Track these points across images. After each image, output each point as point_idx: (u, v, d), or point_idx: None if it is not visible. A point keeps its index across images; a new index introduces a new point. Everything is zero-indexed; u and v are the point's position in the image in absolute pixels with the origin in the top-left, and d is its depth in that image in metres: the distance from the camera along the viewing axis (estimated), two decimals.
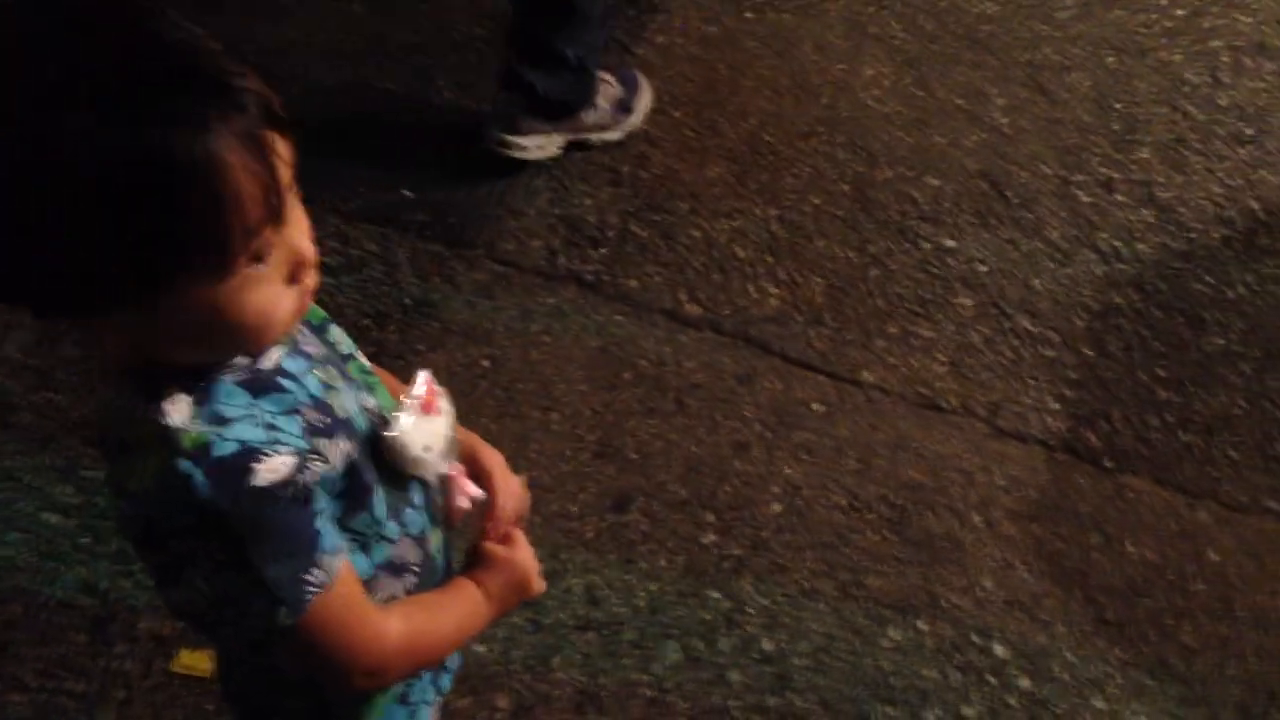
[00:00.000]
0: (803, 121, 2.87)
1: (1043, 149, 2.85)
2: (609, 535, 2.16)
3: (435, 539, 1.16)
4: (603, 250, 2.61)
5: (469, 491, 1.17)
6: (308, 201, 0.92)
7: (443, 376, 2.36)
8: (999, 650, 2.03)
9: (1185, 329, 2.55)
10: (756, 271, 2.58)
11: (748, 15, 3.10)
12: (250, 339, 0.92)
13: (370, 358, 2.40)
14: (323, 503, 0.96)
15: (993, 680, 1.99)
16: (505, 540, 1.20)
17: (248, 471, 0.89)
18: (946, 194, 2.74)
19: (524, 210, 2.68)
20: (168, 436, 0.88)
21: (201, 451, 0.88)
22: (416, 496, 1.12)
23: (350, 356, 1.12)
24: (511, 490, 1.23)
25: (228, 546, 0.89)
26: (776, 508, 2.21)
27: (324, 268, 0.93)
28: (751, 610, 2.07)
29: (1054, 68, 3.03)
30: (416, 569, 1.12)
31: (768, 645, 2.03)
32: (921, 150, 2.82)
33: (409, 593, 1.12)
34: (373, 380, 1.12)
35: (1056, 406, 2.38)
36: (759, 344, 2.46)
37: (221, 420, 0.90)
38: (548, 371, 2.39)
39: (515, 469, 1.27)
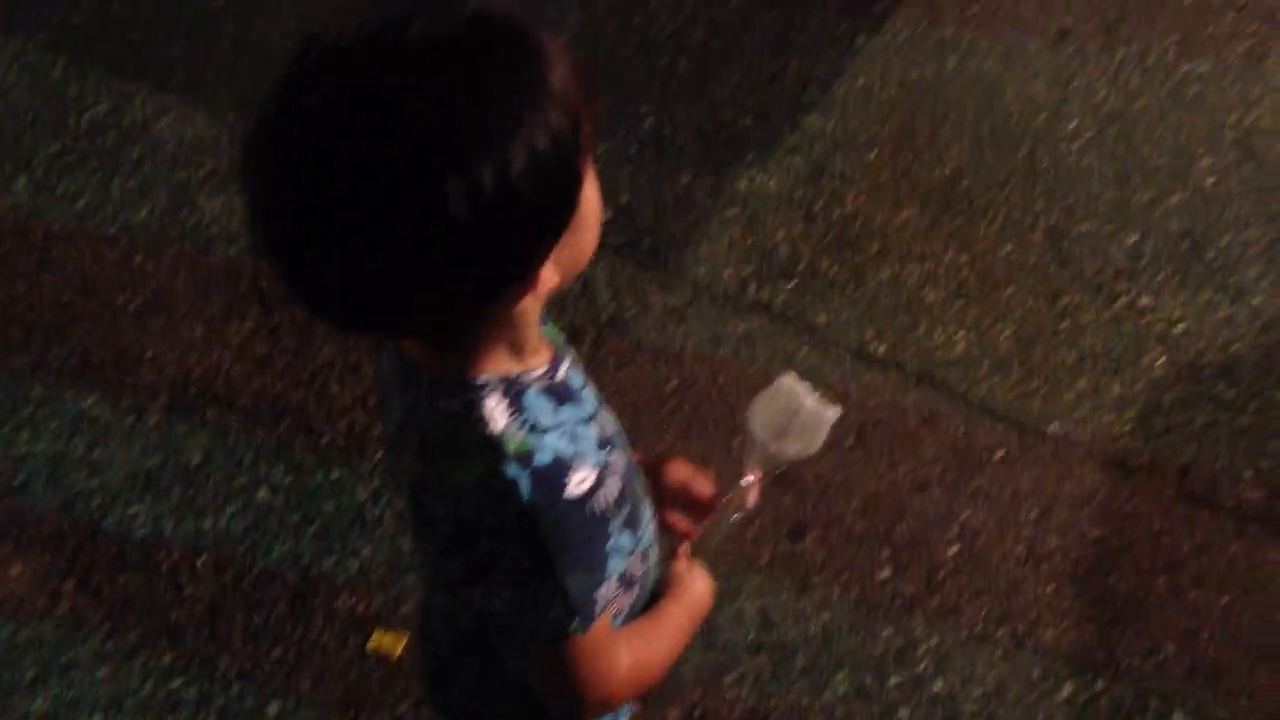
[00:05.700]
0: (1000, 170, 2.86)
1: (1250, 213, 2.78)
2: (784, 562, 2.20)
3: (654, 553, 1.20)
4: (793, 282, 2.65)
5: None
6: None
7: (631, 393, 2.46)
8: (1179, 719, 1.99)
9: None
10: (945, 315, 2.59)
11: (950, 62, 3.11)
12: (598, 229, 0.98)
13: None
14: (615, 524, 1.00)
15: None
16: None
17: (563, 482, 0.93)
18: (1145, 251, 2.70)
19: (718, 238, 2.75)
20: (493, 443, 0.92)
21: (526, 458, 0.92)
22: (647, 510, 1.15)
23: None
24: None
25: (535, 551, 0.93)
26: (953, 549, 2.22)
27: None
28: (923, 649, 2.08)
29: (1266, 132, 2.96)
30: (639, 584, 1.15)
31: (938, 686, 2.03)
32: (1121, 205, 2.79)
33: (633, 608, 1.15)
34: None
35: (1251, 474, 2.32)
36: (944, 386, 2.47)
37: (539, 429, 0.95)
38: (732, 396, 2.45)
39: None
